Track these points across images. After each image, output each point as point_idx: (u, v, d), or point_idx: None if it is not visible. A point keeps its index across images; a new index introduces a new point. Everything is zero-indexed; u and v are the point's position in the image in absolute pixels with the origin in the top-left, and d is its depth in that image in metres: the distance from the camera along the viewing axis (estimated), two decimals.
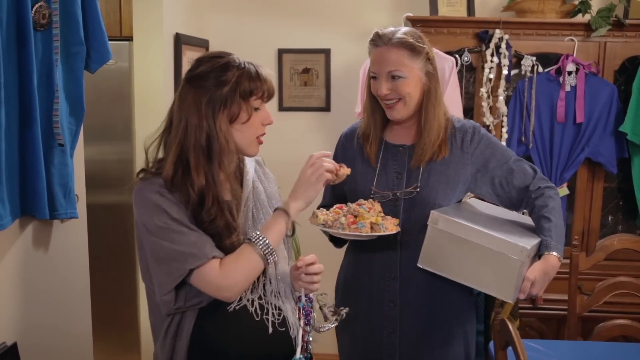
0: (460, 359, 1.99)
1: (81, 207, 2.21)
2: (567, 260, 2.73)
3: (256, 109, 1.58)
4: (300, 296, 1.59)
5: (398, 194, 1.92)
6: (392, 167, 1.96)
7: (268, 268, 1.59)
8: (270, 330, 1.57)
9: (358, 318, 1.95)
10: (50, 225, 2.07)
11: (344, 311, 1.64)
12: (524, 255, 1.74)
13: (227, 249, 1.53)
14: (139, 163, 2.94)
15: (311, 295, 1.60)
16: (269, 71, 1.61)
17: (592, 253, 2.77)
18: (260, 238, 1.54)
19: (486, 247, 1.77)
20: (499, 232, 1.80)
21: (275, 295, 1.61)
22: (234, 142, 1.58)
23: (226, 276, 1.50)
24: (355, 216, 1.79)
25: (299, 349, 1.48)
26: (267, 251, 1.53)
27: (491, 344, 2.35)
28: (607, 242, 2.67)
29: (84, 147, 2.25)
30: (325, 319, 1.64)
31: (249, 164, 1.73)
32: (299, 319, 1.54)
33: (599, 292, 2.58)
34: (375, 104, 1.96)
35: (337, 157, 2.06)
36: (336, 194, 2.07)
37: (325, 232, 1.91)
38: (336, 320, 1.65)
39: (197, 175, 1.53)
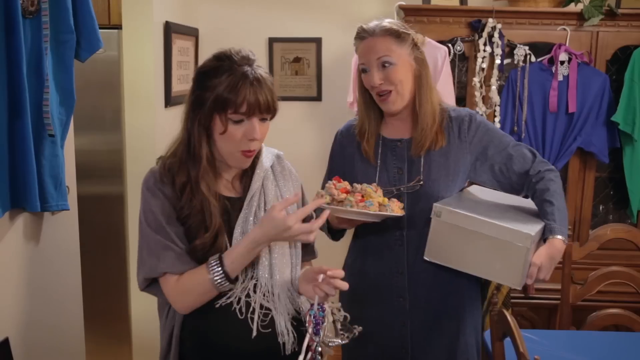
0: (472, 348, 2.00)
1: (72, 199, 2.17)
2: None
3: (237, 122, 1.51)
4: (312, 304, 1.51)
5: (402, 189, 1.91)
6: (392, 162, 1.94)
7: (258, 271, 1.56)
8: (254, 330, 1.53)
9: (368, 313, 1.92)
10: (41, 217, 2.03)
11: (357, 330, 1.56)
12: (529, 241, 1.73)
13: (197, 248, 1.53)
14: (129, 153, 2.93)
15: (325, 305, 1.51)
16: (267, 84, 1.51)
17: (584, 242, 2.77)
18: (216, 267, 1.50)
19: (491, 236, 1.77)
20: (502, 220, 1.80)
21: (265, 296, 1.56)
22: (216, 149, 1.55)
23: (178, 293, 1.54)
24: (362, 196, 1.77)
25: (301, 357, 1.42)
26: (219, 281, 1.50)
27: (486, 334, 2.35)
28: (600, 232, 2.67)
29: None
30: (337, 334, 1.56)
31: (266, 160, 1.67)
32: (308, 326, 1.46)
33: (592, 282, 2.59)
34: (368, 100, 1.95)
35: (334, 157, 2.06)
36: None
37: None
38: (347, 337, 1.56)
39: (179, 171, 1.56)
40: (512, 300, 3.12)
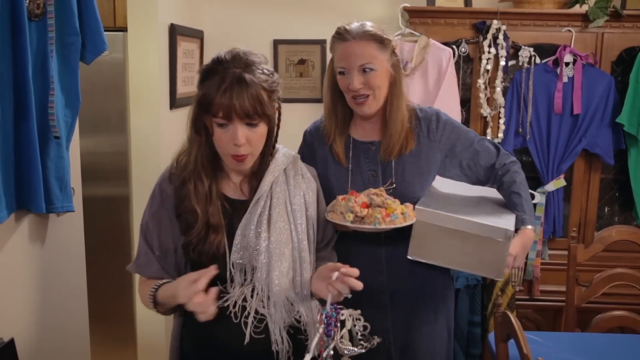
0: (444, 332, 2.07)
1: (77, 201, 2.18)
2: (565, 252, 2.73)
3: (221, 125, 1.49)
4: (326, 303, 1.46)
5: None
6: (365, 165, 1.96)
7: (256, 277, 1.56)
8: (247, 335, 1.53)
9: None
10: (46, 219, 2.04)
11: (376, 341, 1.52)
12: (509, 236, 1.82)
13: (186, 245, 1.56)
14: (134, 155, 2.94)
15: (339, 307, 1.46)
16: (253, 89, 1.46)
17: (589, 244, 2.76)
18: (153, 290, 1.57)
19: (472, 233, 1.84)
20: (481, 216, 1.88)
21: (262, 301, 1.56)
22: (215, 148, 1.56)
23: (140, 293, 1.66)
24: (386, 208, 1.77)
25: (308, 356, 1.36)
26: (150, 300, 1.58)
27: (491, 336, 2.34)
28: (605, 234, 2.67)
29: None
30: (353, 342, 1.51)
31: (279, 164, 1.64)
32: (319, 325, 1.41)
33: (597, 284, 2.58)
34: (337, 100, 1.94)
35: (304, 158, 1.95)
36: None
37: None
38: (365, 347, 1.50)
39: (184, 169, 1.59)
40: (517, 303, 3.11)
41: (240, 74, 1.46)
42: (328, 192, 1.91)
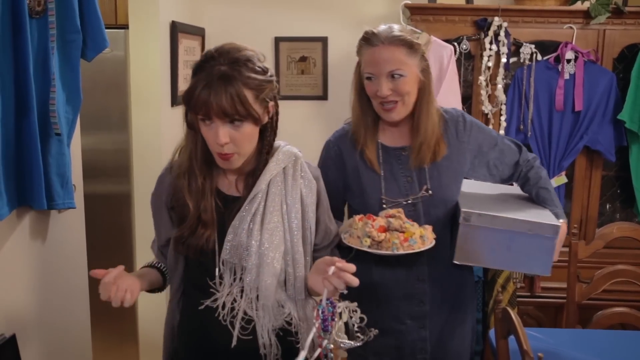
0: (470, 329, 2.07)
1: (78, 197, 2.19)
2: (566, 249, 2.73)
3: (205, 123, 1.45)
4: (321, 298, 1.41)
5: (414, 198, 1.89)
6: (399, 171, 1.91)
7: (245, 278, 1.54)
8: (235, 337, 1.53)
9: (384, 322, 1.90)
10: (47, 215, 2.05)
11: (373, 333, 1.48)
12: (557, 231, 1.82)
13: (177, 238, 1.57)
14: (136, 152, 2.95)
15: (335, 301, 1.42)
16: (236, 85, 1.41)
17: (590, 241, 2.76)
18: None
19: (520, 231, 1.83)
20: (526, 214, 1.88)
21: (251, 303, 1.54)
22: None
23: None
24: (402, 232, 1.72)
25: (303, 353, 1.33)
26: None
27: (491, 332, 2.35)
28: (606, 230, 2.66)
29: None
30: (349, 335, 1.47)
31: (278, 162, 1.58)
32: (315, 321, 1.37)
33: (598, 280, 2.58)
34: (366, 106, 1.89)
35: (329, 169, 1.92)
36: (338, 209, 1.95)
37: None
38: (362, 340, 1.46)
39: (176, 164, 1.61)
40: (518, 299, 3.11)
41: (224, 71, 1.41)
42: (361, 205, 1.90)
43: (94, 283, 2.47)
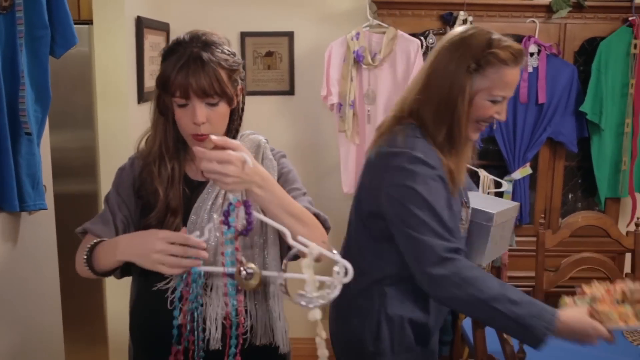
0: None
1: (49, 198, 2.14)
2: (532, 238, 2.79)
3: (181, 105, 1.48)
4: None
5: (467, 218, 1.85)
6: (464, 195, 1.84)
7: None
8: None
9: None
10: (18, 217, 1.99)
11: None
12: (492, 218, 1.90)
13: (145, 227, 1.54)
14: (102, 150, 2.89)
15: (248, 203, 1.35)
16: (211, 67, 1.44)
17: (555, 230, 2.83)
18: (88, 251, 1.53)
19: (506, 220, 1.98)
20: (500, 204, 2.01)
21: (208, 289, 1.52)
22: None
23: (78, 252, 1.61)
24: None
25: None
26: (85, 263, 1.53)
27: (465, 322, 2.39)
28: (571, 219, 2.73)
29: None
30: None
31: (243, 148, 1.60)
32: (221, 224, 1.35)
33: (565, 268, 2.65)
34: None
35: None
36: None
37: None
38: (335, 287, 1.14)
39: (147, 153, 1.60)
40: None
41: (198, 52, 1.46)
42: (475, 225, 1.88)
43: (65, 284, 2.43)
